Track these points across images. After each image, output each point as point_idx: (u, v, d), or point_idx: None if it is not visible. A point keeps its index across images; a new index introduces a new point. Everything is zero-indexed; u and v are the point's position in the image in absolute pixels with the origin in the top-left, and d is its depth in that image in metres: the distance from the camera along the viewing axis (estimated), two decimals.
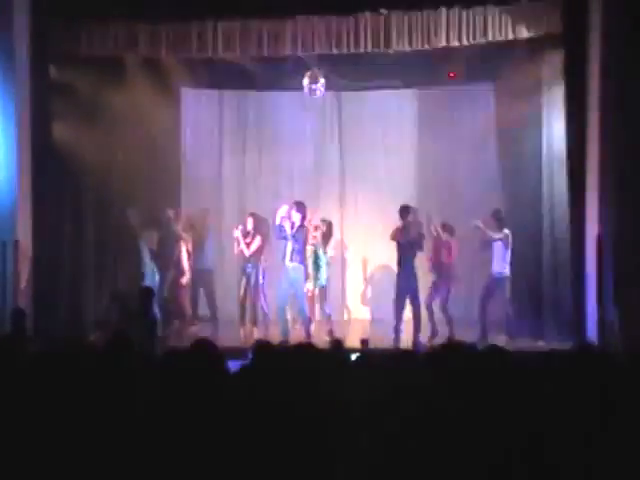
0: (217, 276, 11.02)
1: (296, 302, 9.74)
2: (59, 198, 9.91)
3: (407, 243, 9.37)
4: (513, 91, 10.34)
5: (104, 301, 10.30)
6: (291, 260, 9.42)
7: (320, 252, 10.39)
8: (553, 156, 9.44)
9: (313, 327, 9.98)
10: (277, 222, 9.53)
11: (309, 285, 10.23)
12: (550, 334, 9.08)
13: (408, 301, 9.41)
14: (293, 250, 9.40)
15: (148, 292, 7.79)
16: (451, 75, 11.23)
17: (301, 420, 3.55)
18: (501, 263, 9.54)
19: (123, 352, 4.48)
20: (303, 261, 9.67)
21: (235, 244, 10.43)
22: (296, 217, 9.49)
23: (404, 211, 9.50)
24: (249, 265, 10.36)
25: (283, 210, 9.49)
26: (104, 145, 10.41)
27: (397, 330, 9.31)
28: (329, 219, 10.80)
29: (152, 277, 10.02)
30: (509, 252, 9.55)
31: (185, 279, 10.50)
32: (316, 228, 10.31)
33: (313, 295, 10.46)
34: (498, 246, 9.55)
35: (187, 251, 10.54)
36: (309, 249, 10.17)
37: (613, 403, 3.61)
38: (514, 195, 10.53)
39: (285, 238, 9.42)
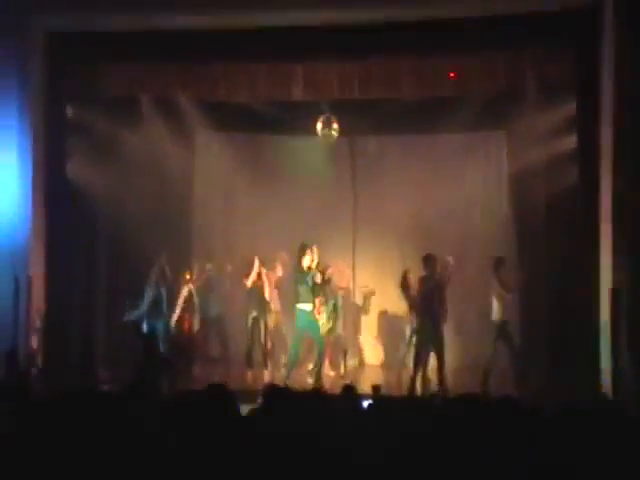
0: (227, 320, 11.04)
1: (312, 345, 9.67)
2: (72, 235, 9.98)
3: (430, 293, 9.17)
4: (525, 138, 10.39)
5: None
6: (309, 303, 9.38)
7: (339, 298, 10.47)
8: (566, 205, 9.43)
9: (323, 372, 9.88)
10: (303, 268, 9.46)
11: (324, 330, 10.18)
12: (563, 383, 8.94)
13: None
14: (310, 293, 9.35)
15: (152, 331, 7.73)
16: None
17: (312, 465, 3.52)
18: (500, 310, 9.47)
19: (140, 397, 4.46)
20: (318, 304, 9.66)
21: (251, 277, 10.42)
22: (310, 261, 9.46)
23: (427, 260, 9.25)
24: (256, 308, 10.37)
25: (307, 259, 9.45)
26: (118, 184, 10.50)
27: (414, 380, 9.13)
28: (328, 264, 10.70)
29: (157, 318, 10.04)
30: (505, 299, 9.49)
31: (191, 322, 10.54)
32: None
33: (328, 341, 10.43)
34: (496, 293, 9.50)
35: (190, 300, 10.57)
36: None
37: (629, 455, 3.57)
38: (526, 242, 10.51)
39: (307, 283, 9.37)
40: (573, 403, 4.31)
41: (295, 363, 9.52)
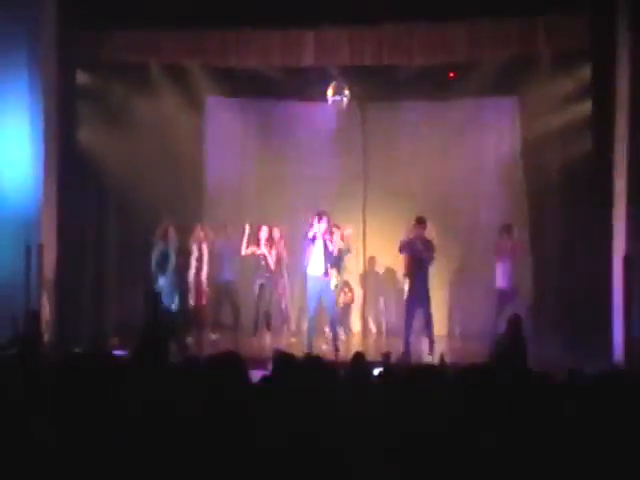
0: (239, 286, 11.05)
1: (325, 313, 9.67)
2: (83, 202, 10.00)
3: (414, 256, 9.31)
4: (539, 105, 10.28)
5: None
6: (320, 269, 9.38)
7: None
8: (580, 172, 9.36)
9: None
10: (311, 233, 9.46)
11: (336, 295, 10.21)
12: (574, 353, 8.93)
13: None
14: (322, 259, 9.35)
15: (155, 296, 7.75)
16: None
17: (319, 436, 3.53)
18: (507, 278, 9.49)
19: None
20: (330, 269, 9.65)
21: (253, 247, 10.54)
22: (322, 226, 9.43)
23: (416, 223, 9.40)
24: (264, 274, 10.43)
25: (321, 226, 9.45)
26: (128, 150, 10.46)
27: (407, 343, 9.22)
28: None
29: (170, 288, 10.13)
30: (514, 267, 9.49)
31: (203, 289, 10.62)
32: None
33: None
34: (504, 261, 9.51)
35: (201, 261, 10.61)
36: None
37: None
38: (539, 210, 10.45)
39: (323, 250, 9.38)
40: (583, 372, 4.33)
41: (314, 330, 9.46)
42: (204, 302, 10.74)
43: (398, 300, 10.80)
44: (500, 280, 9.67)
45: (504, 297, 9.59)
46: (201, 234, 10.68)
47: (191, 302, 10.64)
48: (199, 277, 10.69)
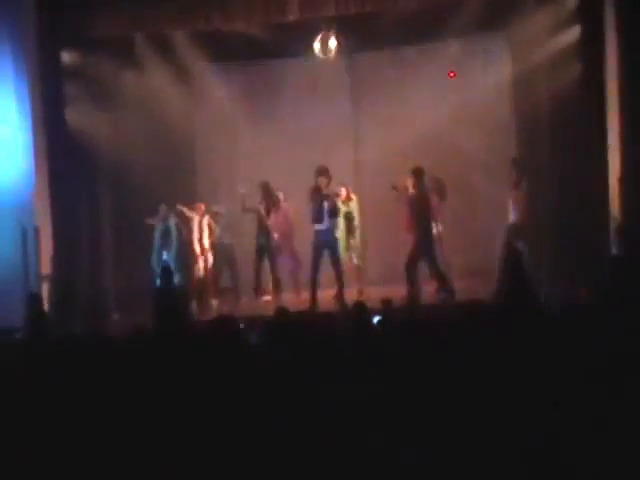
0: (237, 248, 11.05)
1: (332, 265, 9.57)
2: (75, 183, 9.97)
3: (411, 204, 9.26)
4: (526, 37, 10.12)
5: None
6: (323, 222, 9.34)
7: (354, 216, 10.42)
8: (571, 100, 9.20)
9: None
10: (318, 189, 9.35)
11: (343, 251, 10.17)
12: (574, 279, 8.73)
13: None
14: (325, 213, 9.32)
15: (168, 269, 7.85)
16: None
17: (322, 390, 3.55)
18: (519, 212, 9.45)
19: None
20: (335, 223, 9.62)
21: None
22: (323, 182, 9.33)
23: (414, 173, 9.29)
24: (262, 234, 10.52)
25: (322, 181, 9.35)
26: (118, 127, 10.43)
27: (410, 284, 9.12)
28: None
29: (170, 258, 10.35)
30: (525, 201, 9.45)
31: (201, 255, 10.70)
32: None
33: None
34: (515, 196, 9.46)
35: (200, 229, 10.73)
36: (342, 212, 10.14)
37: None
38: (531, 142, 10.34)
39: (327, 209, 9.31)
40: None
41: (315, 285, 9.38)
42: (207, 271, 10.79)
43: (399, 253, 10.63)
44: (512, 214, 9.60)
45: (516, 231, 9.51)
46: (202, 207, 10.75)
47: (197, 272, 10.73)
48: (202, 246, 10.75)
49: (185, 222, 10.75)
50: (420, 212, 9.26)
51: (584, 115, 8.89)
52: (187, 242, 10.77)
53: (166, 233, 10.47)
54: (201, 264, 10.77)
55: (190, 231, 10.76)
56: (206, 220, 10.77)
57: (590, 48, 8.76)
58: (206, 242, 10.77)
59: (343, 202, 10.29)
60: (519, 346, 3.78)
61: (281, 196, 10.79)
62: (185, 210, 10.71)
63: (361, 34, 10.82)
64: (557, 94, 9.41)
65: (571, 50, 9.11)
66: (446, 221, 10.13)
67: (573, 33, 9.04)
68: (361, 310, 5.27)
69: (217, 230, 10.79)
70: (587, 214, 8.88)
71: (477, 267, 10.62)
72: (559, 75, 9.38)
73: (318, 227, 9.35)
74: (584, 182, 8.86)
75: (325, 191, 9.32)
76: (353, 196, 10.61)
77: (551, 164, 9.63)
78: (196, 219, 10.72)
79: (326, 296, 9.39)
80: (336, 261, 9.41)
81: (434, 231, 9.58)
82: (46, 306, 8.38)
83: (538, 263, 9.05)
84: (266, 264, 10.65)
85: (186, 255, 10.75)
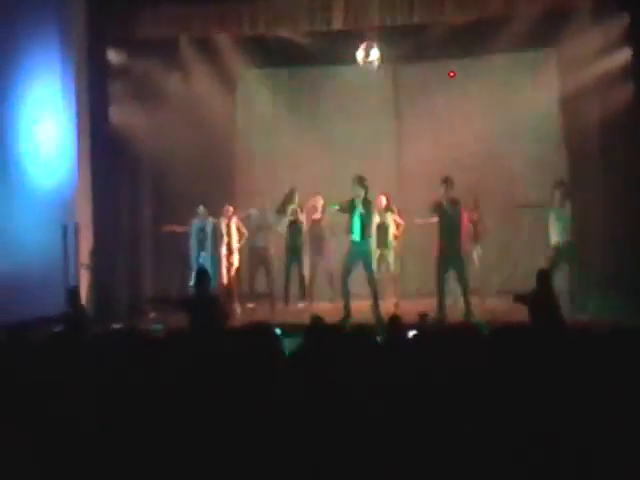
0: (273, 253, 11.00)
1: (366, 277, 9.49)
2: (117, 181, 10.06)
3: (444, 218, 9.14)
4: (576, 56, 9.98)
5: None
6: (361, 235, 9.27)
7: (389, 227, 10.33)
8: (621, 123, 9.05)
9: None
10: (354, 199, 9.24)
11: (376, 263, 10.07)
12: (620, 309, 8.55)
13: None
14: (362, 225, 9.25)
15: (204, 274, 7.82)
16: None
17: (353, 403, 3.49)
18: (561, 234, 9.30)
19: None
20: (369, 235, 9.52)
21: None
22: (360, 192, 9.20)
23: (442, 183, 9.17)
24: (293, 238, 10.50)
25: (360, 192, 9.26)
26: (161, 127, 10.47)
27: (440, 304, 9.02)
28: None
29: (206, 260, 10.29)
30: (569, 223, 9.30)
31: (234, 259, 10.62)
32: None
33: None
34: (556, 217, 9.32)
35: (228, 232, 10.63)
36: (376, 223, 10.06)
37: None
38: (580, 161, 10.19)
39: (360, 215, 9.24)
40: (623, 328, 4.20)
41: (348, 297, 9.29)
42: (231, 275, 10.69)
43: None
44: (554, 235, 9.44)
45: (560, 252, 9.36)
46: (230, 210, 10.66)
47: (227, 275, 10.66)
48: (229, 249, 10.64)
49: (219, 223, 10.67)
50: (447, 221, 9.13)
51: (634, 136, 8.74)
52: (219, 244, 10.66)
53: (203, 234, 10.43)
54: (226, 268, 10.63)
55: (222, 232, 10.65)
56: (234, 223, 10.65)
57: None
58: (235, 245, 10.63)
59: (379, 213, 10.21)
60: (544, 366, 3.69)
61: (319, 201, 10.70)
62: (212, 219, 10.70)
63: (406, 45, 10.74)
64: (606, 114, 9.28)
65: (621, 71, 8.99)
66: (487, 239, 10.04)
67: (624, 55, 8.91)
68: (396, 324, 5.21)
69: (247, 233, 10.73)
70: (636, 235, 8.70)
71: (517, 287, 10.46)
72: (609, 95, 9.24)
73: (353, 238, 9.29)
74: (633, 202, 8.70)
75: (359, 200, 9.23)
76: (393, 207, 10.52)
77: (599, 184, 9.48)
78: (224, 222, 10.63)
79: (362, 307, 9.31)
80: (370, 273, 9.34)
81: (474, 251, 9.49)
82: (84, 301, 8.45)
83: (585, 284, 8.94)
84: (295, 270, 10.60)
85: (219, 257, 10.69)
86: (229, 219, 10.65)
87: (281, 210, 10.53)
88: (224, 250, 10.60)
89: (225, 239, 10.61)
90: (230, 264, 10.65)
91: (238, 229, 10.68)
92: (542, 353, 3.88)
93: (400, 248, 10.71)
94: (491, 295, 10.26)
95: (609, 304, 8.67)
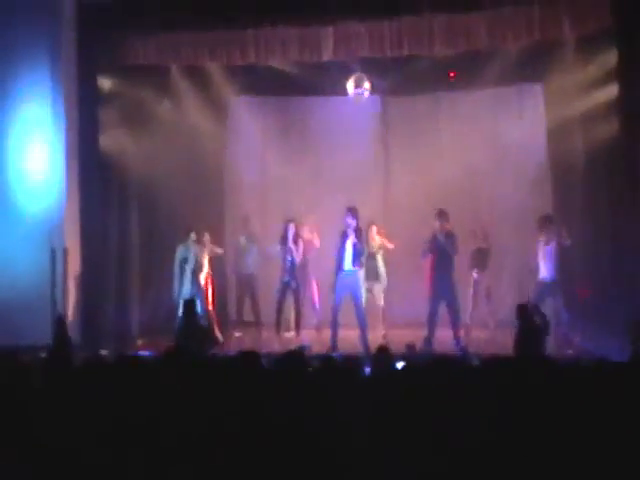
0: (260, 281, 11.03)
1: (354, 308, 9.46)
2: (106, 206, 10.02)
3: (438, 250, 9.19)
4: (563, 90, 10.11)
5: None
6: (352, 265, 9.26)
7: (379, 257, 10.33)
8: (607, 157, 9.15)
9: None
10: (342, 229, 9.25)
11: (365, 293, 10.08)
12: (607, 343, 8.62)
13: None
14: (353, 255, 9.25)
15: (191, 303, 7.80)
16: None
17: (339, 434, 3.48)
18: (550, 269, 9.32)
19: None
20: (361, 266, 9.54)
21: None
22: (352, 223, 9.21)
23: (439, 215, 9.25)
24: (287, 273, 10.32)
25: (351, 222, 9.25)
26: (150, 154, 10.47)
27: (430, 334, 9.04)
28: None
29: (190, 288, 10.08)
30: (558, 258, 9.33)
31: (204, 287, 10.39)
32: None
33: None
34: (548, 251, 9.35)
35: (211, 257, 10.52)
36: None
37: None
38: (566, 194, 10.28)
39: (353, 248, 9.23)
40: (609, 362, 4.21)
41: (336, 326, 9.26)
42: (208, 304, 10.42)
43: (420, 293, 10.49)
44: (543, 271, 9.46)
45: (545, 288, 9.37)
46: (207, 239, 10.48)
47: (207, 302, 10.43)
48: (205, 278, 10.41)
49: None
50: (441, 254, 9.16)
51: (618, 170, 8.82)
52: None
53: (186, 261, 10.11)
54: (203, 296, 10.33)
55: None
56: (206, 251, 10.44)
57: (627, 108, 8.68)
58: (203, 275, 10.33)
59: (369, 243, 10.23)
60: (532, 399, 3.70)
61: (307, 231, 10.71)
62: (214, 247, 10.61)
63: (395, 77, 10.87)
64: (592, 148, 9.38)
65: (608, 106, 9.07)
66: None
67: (612, 89, 8.98)
68: (384, 355, 5.19)
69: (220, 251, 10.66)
70: (622, 267, 8.76)
71: (505, 319, 10.49)
72: (595, 129, 9.34)
73: (343, 267, 9.28)
74: (619, 234, 8.76)
75: (350, 232, 9.24)
76: (376, 237, 10.51)
77: (585, 215, 9.56)
78: (205, 250, 10.41)
79: (349, 336, 9.30)
80: (358, 304, 9.33)
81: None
82: (71, 327, 8.37)
83: (570, 317, 8.98)
84: (290, 300, 10.51)
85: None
86: (204, 247, 10.43)
87: (283, 242, 10.42)
88: (202, 279, 10.34)
89: (205, 268, 10.43)
90: (207, 293, 10.38)
91: (209, 259, 10.43)
92: (528, 387, 3.89)
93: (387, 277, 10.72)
94: (482, 325, 10.28)
95: (594, 338, 8.71)
